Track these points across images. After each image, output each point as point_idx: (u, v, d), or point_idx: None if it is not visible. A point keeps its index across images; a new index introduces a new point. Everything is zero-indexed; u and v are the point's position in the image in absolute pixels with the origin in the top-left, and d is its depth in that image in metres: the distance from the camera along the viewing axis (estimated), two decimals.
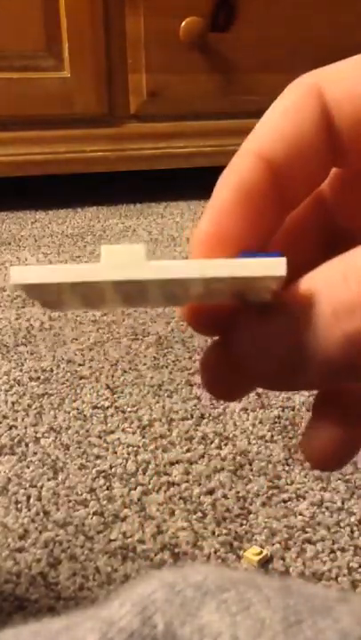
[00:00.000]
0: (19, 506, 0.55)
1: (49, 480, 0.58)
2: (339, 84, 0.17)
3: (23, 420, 0.67)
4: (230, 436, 0.64)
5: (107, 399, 0.70)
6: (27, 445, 0.63)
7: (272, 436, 0.64)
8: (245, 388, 0.21)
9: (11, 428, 0.65)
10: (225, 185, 0.19)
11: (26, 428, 0.65)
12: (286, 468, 0.59)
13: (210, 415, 0.67)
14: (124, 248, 0.16)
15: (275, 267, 0.16)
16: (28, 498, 0.56)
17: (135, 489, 0.57)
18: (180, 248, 1.16)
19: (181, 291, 0.18)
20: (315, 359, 0.17)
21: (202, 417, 0.67)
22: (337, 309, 0.16)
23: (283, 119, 0.18)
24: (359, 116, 0.17)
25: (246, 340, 0.18)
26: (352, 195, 0.21)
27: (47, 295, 0.18)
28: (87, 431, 0.65)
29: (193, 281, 0.16)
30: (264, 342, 0.17)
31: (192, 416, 0.67)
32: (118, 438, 0.63)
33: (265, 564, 0.50)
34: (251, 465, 0.60)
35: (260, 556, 0.50)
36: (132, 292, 0.18)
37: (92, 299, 0.18)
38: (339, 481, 0.58)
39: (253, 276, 0.16)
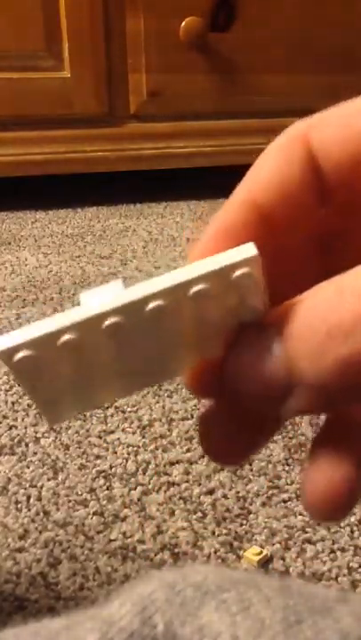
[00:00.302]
0: (19, 506, 0.55)
1: (49, 480, 0.58)
2: (324, 129, 0.18)
3: (23, 420, 0.67)
4: None
5: None
6: (27, 445, 0.63)
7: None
8: (248, 445, 0.20)
9: (11, 428, 0.65)
10: (212, 227, 0.19)
11: (26, 428, 0.65)
12: (286, 468, 0.59)
13: None
14: (100, 288, 0.17)
15: (245, 250, 0.16)
16: (28, 498, 0.56)
17: (135, 489, 0.57)
18: (180, 248, 1.16)
19: (176, 323, 0.17)
20: (307, 381, 0.16)
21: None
22: (332, 329, 0.16)
23: (271, 164, 0.19)
24: (343, 159, 0.18)
25: (236, 360, 0.18)
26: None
27: (40, 364, 0.17)
28: (87, 431, 0.65)
29: (181, 301, 0.16)
30: (254, 361, 0.17)
31: (192, 416, 0.67)
32: (118, 438, 0.63)
33: (265, 564, 0.50)
34: (251, 465, 0.60)
35: (260, 556, 0.50)
36: (126, 338, 0.17)
37: (88, 365, 0.18)
38: None
39: (228, 263, 0.16)
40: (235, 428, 0.20)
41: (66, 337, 0.17)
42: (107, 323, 0.17)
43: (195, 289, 0.17)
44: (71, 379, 0.18)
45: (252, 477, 0.58)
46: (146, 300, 0.17)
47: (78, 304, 0.17)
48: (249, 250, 0.16)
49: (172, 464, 0.60)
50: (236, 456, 0.20)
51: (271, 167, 0.19)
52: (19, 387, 0.72)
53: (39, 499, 0.56)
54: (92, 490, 0.57)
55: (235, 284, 0.17)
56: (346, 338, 0.15)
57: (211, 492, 0.57)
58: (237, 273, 0.17)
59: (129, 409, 0.68)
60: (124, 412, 0.68)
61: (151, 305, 0.17)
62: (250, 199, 0.19)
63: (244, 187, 0.19)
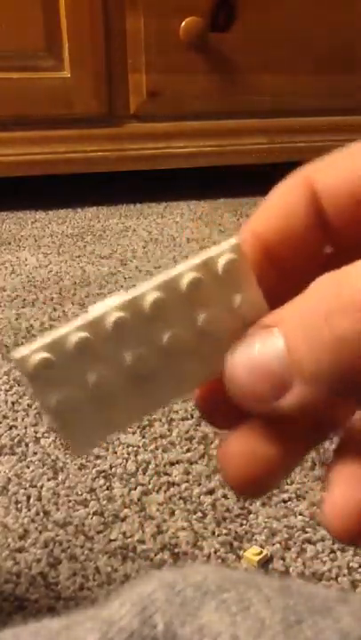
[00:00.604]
0: (19, 506, 0.55)
1: (49, 480, 0.58)
2: (327, 172, 0.19)
3: (23, 419, 0.67)
4: None
5: None
6: (27, 445, 0.63)
7: None
8: (275, 471, 0.19)
9: (11, 428, 0.65)
10: None
11: (26, 428, 0.65)
12: None
13: None
14: (106, 298, 0.18)
15: (227, 241, 0.18)
16: (28, 498, 0.56)
17: (135, 489, 0.57)
18: (180, 248, 1.16)
19: (180, 324, 0.18)
20: (305, 367, 0.16)
21: (202, 417, 0.67)
22: (330, 310, 0.16)
23: (276, 203, 0.20)
24: (345, 199, 0.19)
25: (236, 359, 0.18)
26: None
27: (56, 371, 0.18)
28: None
29: (178, 294, 0.18)
30: (250, 352, 0.18)
31: (192, 416, 0.67)
32: (118, 438, 0.63)
33: (265, 564, 0.50)
34: None
35: (260, 556, 0.50)
36: (134, 339, 0.18)
37: (103, 376, 0.18)
38: None
39: (213, 254, 0.18)
40: (258, 452, 0.19)
41: (76, 337, 0.17)
42: (111, 319, 0.17)
43: (186, 279, 0.18)
44: (89, 393, 0.18)
45: None
46: (144, 295, 0.18)
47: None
48: (230, 240, 0.18)
49: (172, 464, 0.60)
50: (264, 485, 0.20)
51: (277, 205, 0.20)
52: (19, 386, 0.72)
53: (39, 499, 0.56)
54: (92, 490, 0.57)
55: (224, 274, 0.18)
56: (344, 315, 0.15)
57: (211, 492, 0.57)
58: (223, 260, 0.18)
59: None
60: None
61: (150, 298, 0.18)
62: (256, 234, 0.20)
63: (252, 223, 0.20)
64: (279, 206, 0.20)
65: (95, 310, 0.18)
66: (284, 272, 0.20)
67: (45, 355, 0.17)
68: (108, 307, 0.18)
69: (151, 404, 0.19)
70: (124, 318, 0.18)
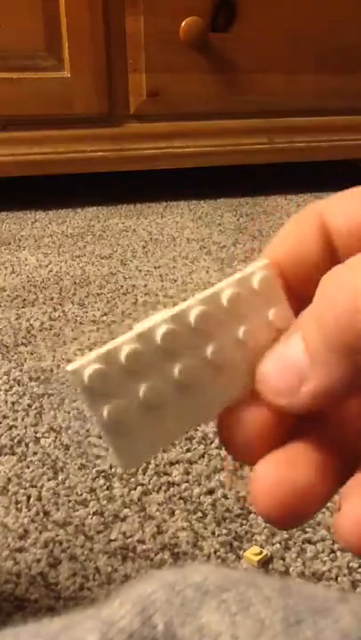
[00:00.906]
0: (19, 506, 0.55)
1: (49, 480, 0.58)
2: (336, 207, 0.21)
3: (23, 419, 0.67)
4: None
5: None
6: (27, 445, 0.63)
7: None
8: (313, 500, 0.19)
9: (11, 428, 0.65)
10: None
11: (26, 427, 0.65)
12: None
13: None
14: (155, 315, 0.20)
15: (258, 262, 0.20)
16: (28, 498, 0.56)
17: (135, 489, 0.57)
18: (180, 248, 1.16)
19: (224, 336, 0.20)
20: (318, 353, 0.18)
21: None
22: (335, 302, 0.18)
23: (290, 232, 0.22)
24: (353, 232, 0.21)
25: (266, 361, 0.20)
26: None
27: (109, 381, 0.19)
28: (87, 431, 0.65)
29: (220, 307, 0.20)
30: (280, 356, 0.20)
31: None
32: None
33: (265, 564, 0.50)
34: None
35: (260, 556, 0.50)
36: (182, 350, 0.19)
37: (153, 388, 0.19)
38: None
39: (249, 271, 0.20)
40: (297, 480, 0.19)
41: (127, 349, 0.19)
42: (160, 331, 0.19)
43: (227, 294, 0.20)
44: (139, 404, 0.19)
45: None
46: (189, 308, 0.19)
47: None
48: (262, 261, 0.20)
49: (172, 464, 0.60)
50: (304, 515, 0.20)
51: (291, 234, 0.22)
52: (19, 386, 0.72)
53: (39, 499, 0.56)
54: (92, 490, 0.57)
55: (260, 289, 0.20)
56: (345, 302, 0.17)
57: (211, 491, 0.57)
58: (257, 277, 0.20)
59: None
60: None
61: (194, 311, 0.19)
62: (273, 259, 0.21)
63: (269, 249, 0.22)
64: (294, 235, 0.22)
65: (144, 324, 0.19)
66: (299, 293, 0.22)
67: (98, 366, 0.18)
68: (157, 320, 0.19)
69: (200, 414, 0.21)
70: (171, 330, 0.19)
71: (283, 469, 0.19)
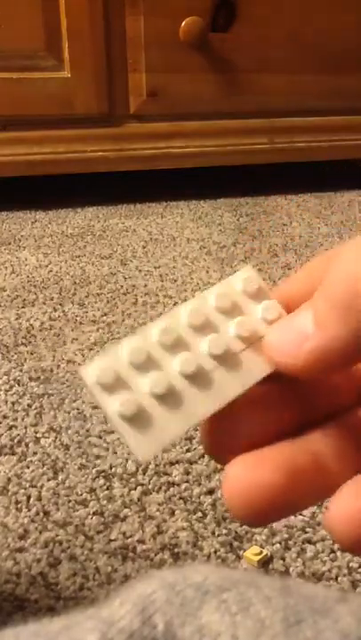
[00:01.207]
0: (19, 506, 0.55)
1: (49, 480, 0.58)
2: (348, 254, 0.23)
3: (23, 419, 0.67)
4: None
5: None
6: (27, 445, 0.63)
7: None
8: (277, 501, 0.20)
9: (11, 428, 0.65)
10: None
11: (26, 427, 0.65)
12: None
13: None
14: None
15: (242, 268, 0.23)
16: (28, 498, 0.56)
17: (135, 489, 0.57)
18: (180, 248, 1.16)
19: (222, 332, 0.22)
20: (324, 318, 0.19)
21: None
22: (339, 279, 0.20)
23: (302, 274, 0.23)
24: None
25: (274, 328, 0.22)
26: None
27: (119, 383, 0.20)
28: (87, 431, 0.65)
29: (209, 307, 0.22)
30: (287, 323, 0.21)
31: None
32: (118, 438, 0.63)
33: (265, 564, 0.50)
34: None
35: (260, 556, 0.50)
36: (184, 349, 0.21)
37: (160, 375, 0.21)
38: None
39: (233, 276, 0.23)
40: (263, 480, 0.20)
41: (130, 345, 0.20)
42: (157, 328, 0.21)
43: (213, 294, 0.22)
44: (148, 397, 0.20)
45: None
46: (180, 307, 0.21)
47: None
48: (245, 266, 0.23)
49: (172, 464, 0.60)
50: (268, 515, 0.20)
51: (303, 275, 0.23)
52: (19, 386, 0.72)
53: (39, 499, 0.56)
54: (92, 490, 0.57)
55: (244, 288, 0.22)
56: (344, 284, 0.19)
57: (211, 491, 0.57)
58: (240, 277, 0.23)
59: None
60: None
61: (185, 309, 0.21)
62: (284, 299, 0.23)
63: (279, 289, 0.24)
64: (305, 275, 0.23)
65: (145, 327, 0.21)
66: None
67: (105, 364, 0.20)
68: (155, 322, 0.21)
69: (209, 403, 0.21)
70: (168, 326, 0.21)
71: (250, 470, 0.20)
